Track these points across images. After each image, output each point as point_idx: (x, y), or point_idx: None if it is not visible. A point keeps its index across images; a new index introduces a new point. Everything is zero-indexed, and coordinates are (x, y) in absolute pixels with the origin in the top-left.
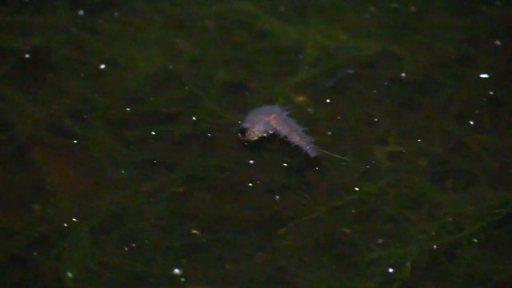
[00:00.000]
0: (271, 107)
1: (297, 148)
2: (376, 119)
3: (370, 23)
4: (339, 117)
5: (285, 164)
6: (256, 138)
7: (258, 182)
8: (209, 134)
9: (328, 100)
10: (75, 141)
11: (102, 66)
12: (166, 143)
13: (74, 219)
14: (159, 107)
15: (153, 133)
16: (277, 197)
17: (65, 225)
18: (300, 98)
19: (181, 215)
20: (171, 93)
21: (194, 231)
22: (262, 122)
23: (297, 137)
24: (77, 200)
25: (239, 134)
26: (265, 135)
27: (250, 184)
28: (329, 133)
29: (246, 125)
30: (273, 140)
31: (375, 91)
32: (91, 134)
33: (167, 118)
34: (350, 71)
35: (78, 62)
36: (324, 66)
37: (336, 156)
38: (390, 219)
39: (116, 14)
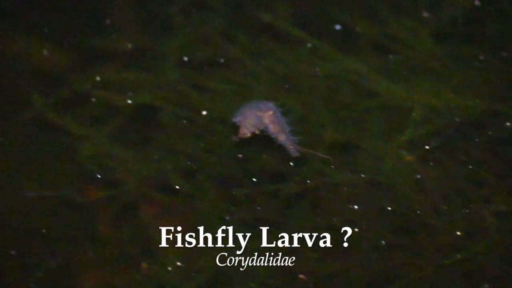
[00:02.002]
0: (266, 104)
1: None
2: (483, 178)
3: (477, 80)
4: (446, 176)
5: (389, 208)
6: (249, 134)
7: (366, 240)
8: (317, 193)
9: (435, 159)
10: (182, 199)
11: (210, 124)
12: (275, 201)
13: (180, 277)
14: (268, 166)
15: (262, 191)
16: (385, 252)
17: (172, 282)
18: (409, 157)
19: (289, 273)
20: (279, 152)
21: (301, 276)
22: (255, 117)
23: (283, 137)
24: (184, 258)
25: (233, 136)
26: (257, 132)
27: (358, 242)
28: (418, 176)
29: (238, 119)
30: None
31: (482, 150)
32: (199, 191)
33: (276, 176)
34: (457, 130)
35: (186, 120)
36: (432, 125)
37: (319, 155)
38: (497, 277)
39: (223, 71)
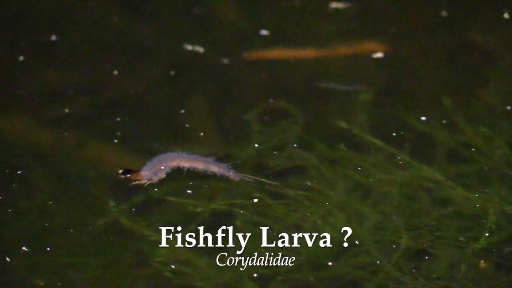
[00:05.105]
0: (170, 154)
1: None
2: None
3: None
4: None
5: None
6: (147, 182)
7: None
8: None
9: (509, 265)
10: None
11: (285, 231)
12: None
13: None
14: (342, 274)
15: None
16: None
17: None
18: (483, 265)
19: None
20: (354, 259)
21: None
22: (163, 169)
23: (215, 167)
24: None
25: (122, 176)
26: (163, 175)
27: None
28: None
29: (145, 172)
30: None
31: None
32: None
33: (350, 284)
34: None
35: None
36: (506, 232)
37: (260, 179)
38: None
39: (300, 179)
